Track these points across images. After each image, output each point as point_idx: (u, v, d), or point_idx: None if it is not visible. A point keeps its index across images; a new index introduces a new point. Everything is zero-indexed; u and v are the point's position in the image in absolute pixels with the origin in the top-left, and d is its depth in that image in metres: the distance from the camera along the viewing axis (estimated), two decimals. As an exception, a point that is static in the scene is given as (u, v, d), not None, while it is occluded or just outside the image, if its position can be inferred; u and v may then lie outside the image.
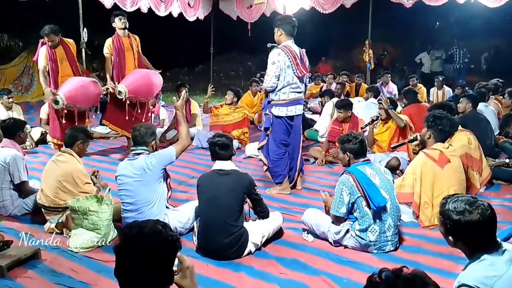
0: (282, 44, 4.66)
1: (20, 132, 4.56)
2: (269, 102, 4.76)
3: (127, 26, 6.21)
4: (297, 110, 4.78)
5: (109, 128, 6.80)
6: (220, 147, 3.55)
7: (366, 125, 5.91)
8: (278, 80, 4.59)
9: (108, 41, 6.20)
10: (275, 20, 4.75)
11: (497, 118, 6.64)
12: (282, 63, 4.55)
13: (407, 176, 4.11)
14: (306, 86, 5.00)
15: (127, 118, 6.07)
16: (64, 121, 5.67)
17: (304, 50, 4.84)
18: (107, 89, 6.15)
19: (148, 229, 1.63)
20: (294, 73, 4.62)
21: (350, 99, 9.35)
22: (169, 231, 1.68)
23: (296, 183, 5.09)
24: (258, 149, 5.05)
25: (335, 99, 7.92)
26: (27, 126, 4.87)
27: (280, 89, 4.63)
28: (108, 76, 6.30)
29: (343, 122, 6.21)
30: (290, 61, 4.58)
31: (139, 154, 3.72)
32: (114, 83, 6.15)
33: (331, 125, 6.37)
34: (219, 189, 3.40)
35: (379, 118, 5.77)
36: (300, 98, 4.80)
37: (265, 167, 4.99)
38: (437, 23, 17.23)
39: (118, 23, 6.14)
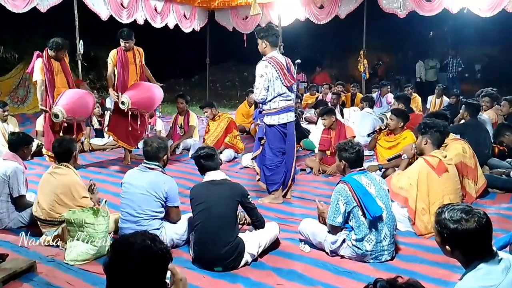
0: (268, 56, 4.69)
1: (25, 147, 4.54)
2: (260, 112, 4.80)
3: (130, 48, 6.34)
4: (289, 117, 4.82)
5: (113, 139, 6.86)
6: (205, 158, 3.59)
7: (373, 133, 5.95)
8: (267, 91, 4.64)
9: (113, 52, 6.33)
10: (258, 32, 4.76)
11: (492, 126, 6.67)
12: (270, 75, 4.59)
13: (402, 178, 4.14)
14: (296, 94, 5.03)
15: (129, 129, 6.28)
16: (62, 134, 5.66)
17: (289, 59, 4.89)
18: (116, 101, 6.21)
19: (138, 245, 1.61)
20: (282, 83, 4.67)
21: (346, 108, 9.46)
22: (159, 244, 1.65)
23: (287, 193, 5.10)
24: (252, 159, 5.07)
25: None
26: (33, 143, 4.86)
27: (271, 99, 4.68)
28: (108, 86, 6.39)
29: (330, 129, 6.24)
30: (278, 73, 4.63)
31: (152, 168, 3.73)
32: (117, 93, 6.23)
33: (322, 134, 6.42)
34: (213, 199, 3.40)
35: (387, 128, 5.78)
36: (290, 105, 4.84)
37: (257, 177, 5.01)
38: (431, 33, 17.37)
39: (121, 43, 6.28)
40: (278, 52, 4.78)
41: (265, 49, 4.72)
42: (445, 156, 4.18)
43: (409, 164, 4.56)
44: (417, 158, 4.39)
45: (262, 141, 4.85)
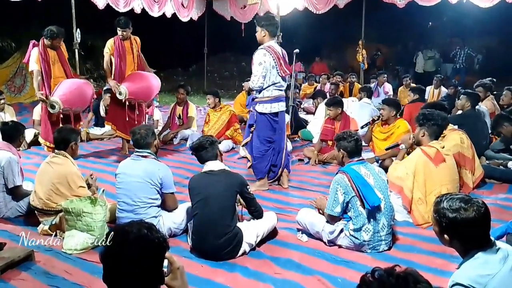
0: (266, 44, 4.70)
1: (19, 136, 4.52)
2: (253, 100, 4.84)
3: (128, 37, 6.26)
4: (280, 106, 4.86)
5: (112, 129, 6.82)
6: (195, 150, 3.61)
7: (366, 125, 5.96)
8: (264, 80, 4.65)
9: (110, 42, 6.25)
10: (259, 20, 4.78)
11: (489, 117, 6.67)
12: (268, 63, 4.62)
13: (399, 167, 4.16)
14: (295, 84, 5.05)
15: (126, 119, 6.22)
16: (60, 125, 5.63)
17: (285, 50, 4.91)
18: (115, 90, 6.16)
19: (134, 235, 1.60)
20: (278, 73, 4.70)
21: (344, 99, 9.44)
22: (155, 233, 1.64)
23: (281, 180, 5.13)
24: (243, 145, 5.11)
25: (327, 100, 7.97)
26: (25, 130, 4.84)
27: (265, 88, 4.71)
28: (107, 76, 6.34)
29: (335, 120, 6.24)
30: (275, 62, 4.66)
31: (144, 156, 3.73)
32: (116, 81, 6.19)
33: (324, 123, 6.41)
34: (211, 190, 3.40)
35: (380, 118, 5.78)
36: (282, 95, 4.89)
37: (248, 164, 5.05)
38: (430, 23, 17.31)
39: (118, 32, 6.20)
40: (276, 42, 4.80)
41: (263, 37, 4.73)
42: (443, 147, 4.18)
43: (408, 154, 4.56)
44: (415, 148, 4.39)
45: (252, 128, 4.89)
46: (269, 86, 4.70)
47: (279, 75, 4.72)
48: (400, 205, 4.08)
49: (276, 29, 4.76)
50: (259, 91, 4.73)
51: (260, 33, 4.74)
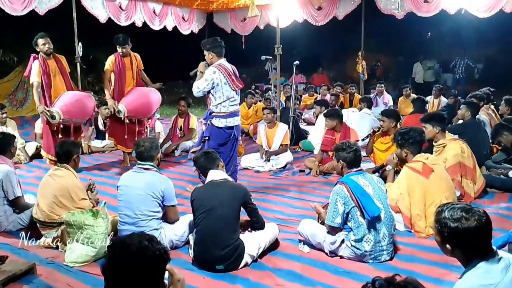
0: (216, 63, 4.92)
1: (11, 147, 4.55)
2: (210, 114, 5.01)
3: (128, 54, 6.30)
4: (235, 121, 5.08)
5: (114, 144, 6.85)
6: (203, 159, 3.69)
7: (367, 137, 6.00)
8: (203, 94, 4.93)
9: (111, 58, 6.29)
10: (204, 45, 4.99)
11: (489, 127, 6.67)
12: (218, 80, 4.83)
13: (393, 189, 4.16)
14: (295, 95, 5.13)
15: (126, 135, 6.24)
16: (60, 136, 5.68)
17: (235, 67, 5.11)
18: (113, 109, 6.19)
19: (135, 246, 1.61)
20: (231, 87, 4.90)
21: (344, 109, 9.49)
22: (156, 245, 1.65)
23: None
24: (192, 152, 5.27)
25: (329, 110, 7.99)
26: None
27: (221, 103, 4.90)
28: (107, 92, 6.37)
29: (335, 131, 6.26)
30: (226, 78, 4.87)
31: (147, 169, 3.75)
32: (114, 100, 6.21)
33: (324, 134, 6.43)
34: (215, 201, 3.40)
35: (381, 129, 5.81)
36: (237, 110, 5.12)
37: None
38: (429, 33, 17.41)
39: (118, 50, 6.25)
40: (225, 61, 5.01)
41: (212, 59, 4.96)
42: (427, 158, 4.21)
43: (397, 172, 4.59)
44: (402, 166, 4.41)
45: (205, 139, 5.03)
46: (224, 101, 4.90)
47: (233, 90, 4.92)
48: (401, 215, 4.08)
49: (221, 50, 4.96)
50: (216, 106, 4.91)
51: (208, 56, 4.97)
